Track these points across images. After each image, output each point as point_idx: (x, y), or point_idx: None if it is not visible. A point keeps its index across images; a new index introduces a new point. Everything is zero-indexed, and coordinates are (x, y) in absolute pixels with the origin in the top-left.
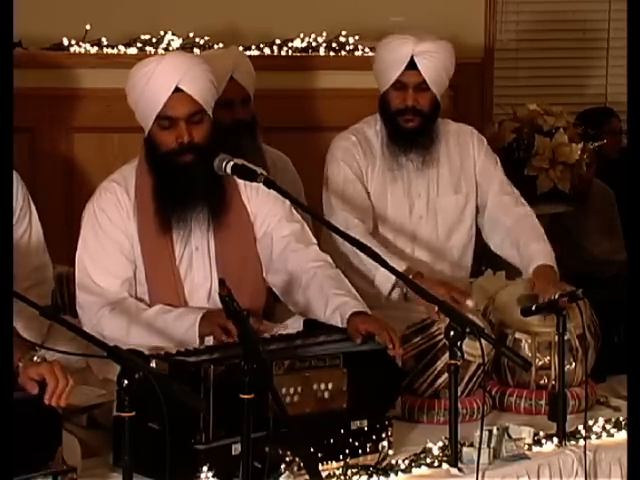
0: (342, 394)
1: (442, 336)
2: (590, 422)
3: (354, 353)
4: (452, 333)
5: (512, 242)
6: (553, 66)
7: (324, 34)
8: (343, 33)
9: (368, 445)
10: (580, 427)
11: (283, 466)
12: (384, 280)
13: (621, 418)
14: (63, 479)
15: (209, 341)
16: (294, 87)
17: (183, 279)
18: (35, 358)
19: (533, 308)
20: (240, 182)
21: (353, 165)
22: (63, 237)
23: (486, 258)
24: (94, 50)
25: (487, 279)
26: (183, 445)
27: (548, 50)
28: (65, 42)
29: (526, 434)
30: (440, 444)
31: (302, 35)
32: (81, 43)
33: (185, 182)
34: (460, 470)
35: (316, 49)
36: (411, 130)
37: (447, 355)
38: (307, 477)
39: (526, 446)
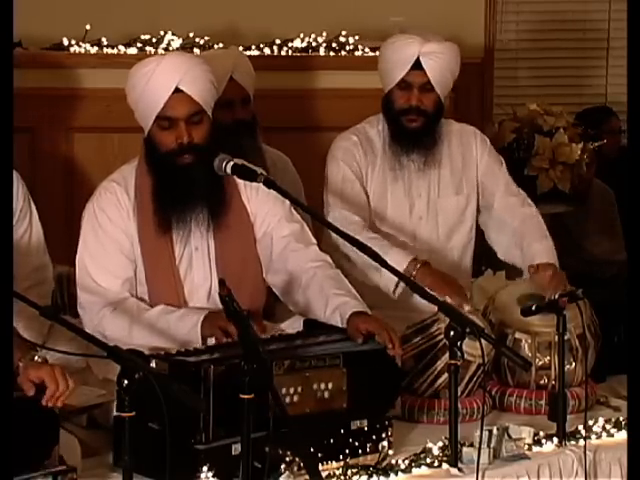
0: (342, 394)
1: (442, 336)
2: (590, 422)
3: (354, 353)
4: (452, 333)
5: (517, 243)
6: (553, 66)
7: (324, 34)
8: (343, 33)
9: (368, 445)
10: (580, 427)
11: (283, 466)
12: (389, 277)
13: (621, 418)
14: (63, 479)
15: (211, 343)
16: (294, 87)
17: (183, 279)
18: (36, 358)
19: (533, 308)
20: (240, 182)
21: (353, 165)
22: (63, 237)
23: (486, 258)
24: (94, 50)
25: (487, 279)
26: (183, 445)
27: (548, 50)
28: (65, 42)
29: (526, 434)
30: (440, 444)
31: (302, 35)
32: (81, 43)
33: (185, 182)
34: (460, 470)
35: (316, 49)
36: (414, 130)
37: (447, 355)
38: (307, 477)
39: (526, 446)
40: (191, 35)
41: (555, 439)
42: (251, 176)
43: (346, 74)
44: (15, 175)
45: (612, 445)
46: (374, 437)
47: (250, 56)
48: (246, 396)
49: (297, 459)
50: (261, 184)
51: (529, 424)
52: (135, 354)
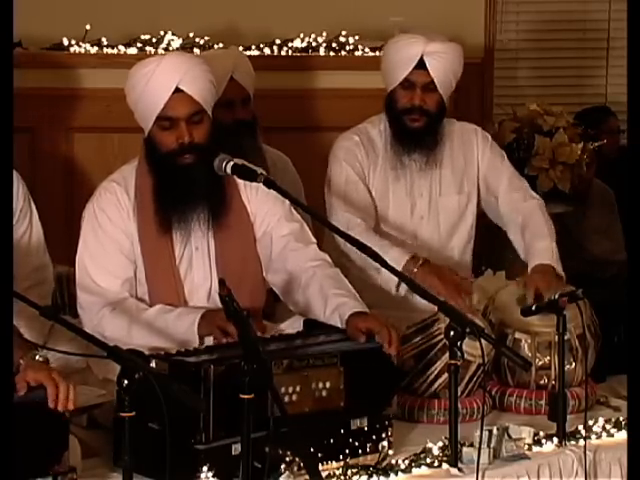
0: (339, 392)
1: (442, 336)
2: (590, 422)
3: (351, 352)
4: (452, 333)
5: (519, 239)
6: (553, 66)
7: (324, 34)
8: (343, 33)
9: (368, 445)
10: (580, 427)
11: (283, 466)
12: (389, 277)
13: (621, 418)
14: (63, 479)
15: (209, 341)
16: (294, 87)
17: (183, 279)
18: (38, 357)
19: (533, 308)
20: (240, 182)
21: (355, 165)
22: (63, 237)
23: (486, 258)
24: (94, 50)
25: (487, 279)
26: (183, 445)
27: (548, 50)
28: (65, 42)
29: (526, 434)
30: (440, 444)
31: (302, 35)
32: (81, 43)
33: (186, 182)
34: (460, 470)
35: (316, 49)
36: (416, 130)
37: (447, 355)
38: (307, 477)
39: (526, 446)
40: (191, 35)
41: (555, 439)
42: (251, 176)
43: (346, 74)
44: (15, 175)
45: (612, 445)
46: (374, 437)
47: (250, 56)
48: (246, 396)
49: (297, 459)
50: (261, 184)
51: (529, 424)
52: (135, 354)
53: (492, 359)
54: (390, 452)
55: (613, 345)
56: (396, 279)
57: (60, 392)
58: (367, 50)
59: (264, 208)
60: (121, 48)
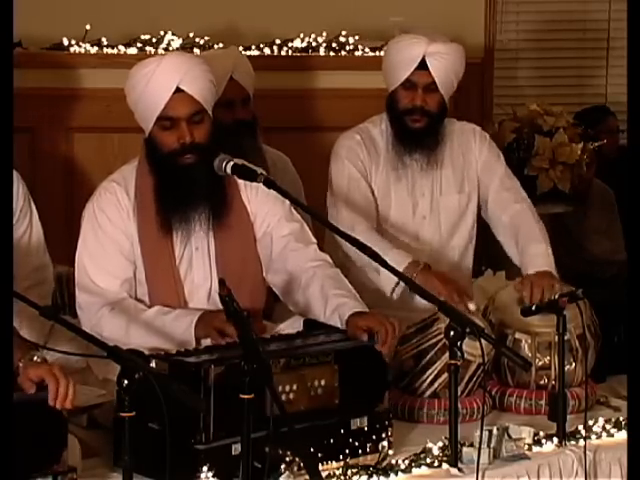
0: (334, 390)
1: (442, 336)
2: (590, 422)
3: (345, 349)
4: (452, 333)
5: (511, 241)
6: (553, 66)
7: (324, 34)
8: (343, 33)
9: (368, 445)
10: (580, 427)
11: (283, 466)
12: (388, 278)
13: (621, 418)
14: (63, 479)
15: (206, 343)
16: (294, 87)
17: (183, 279)
18: (35, 358)
19: (533, 308)
20: (240, 182)
21: (357, 164)
22: (63, 237)
23: (486, 258)
24: (94, 50)
25: (487, 279)
26: (183, 445)
27: (548, 50)
28: (65, 42)
29: (526, 434)
30: (440, 444)
31: (302, 35)
32: (81, 43)
33: (187, 182)
34: (460, 470)
35: (316, 49)
36: (417, 130)
37: (447, 355)
38: (307, 477)
39: (526, 446)
40: (191, 35)
41: (555, 439)
42: (251, 176)
43: (346, 74)
44: (15, 175)
45: (612, 445)
46: (374, 437)
47: (250, 56)
48: (246, 396)
49: (297, 459)
50: (261, 184)
51: (529, 424)
52: (135, 354)
53: (492, 359)
54: (390, 452)
55: (613, 345)
56: (392, 283)
57: (60, 388)
58: (367, 50)
59: (264, 208)
60: (121, 48)
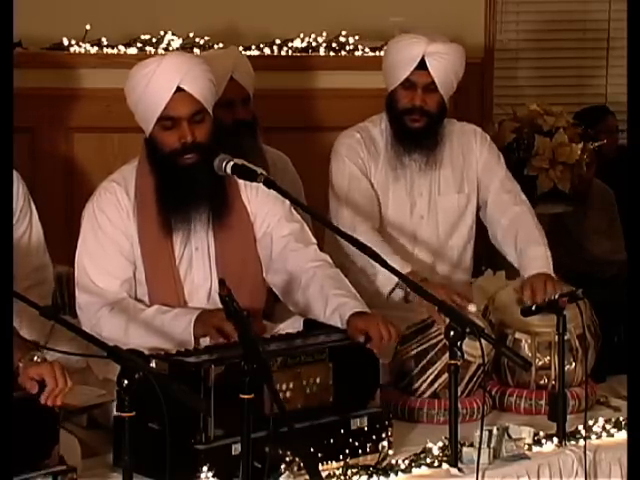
0: (328, 388)
1: (442, 336)
2: (590, 422)
3: (339, 347)
4: (452, 333)
5: (510, 243)
6: (553, 66)
7: (324, 34)
8: (343, 33)
9: (368, 445)
10: (580, 427)
11: (283, 466)
12: (385, 281)
13: (621, 418)
14: (63, 479)
15: (205, 342)
16: (294, 87)
17: (183, 279)
18: (35, 358)
19: (533, 308)
20: (240, 182)
21: (357, 162)
22: (63, 237)
23: (486, 258)
24: (94, 50)
25: (487, 279)
26: (183, 445)
27: (548, 50)
28: (65, 42)
29: (526, 434)
30: (440, 444)
31: (302, 35)
32: (81, 43)
33: (188, 183)
34: (460, 470)
35: (316, 49)
36: (417, 130)
37: (447, 355)
38: (307, 477)
39: (526, 446)
40: (191, 35)
41: (555, 439)
42: (251, 176)
43: (346, 74)
44: (15, 175)
45: (612, 445)
46: (374, 437)
47: (250, 56)
48: (246, 396)
49: (297, 459)
50: (261, 184)
51: (529, 424)
52: (135, 354)
53: (492, 359)
54: (390, 452)
55: (613, 345)
56: (390, 285)
57: (55, 390)
58: (367, 50)
59: (264, 208)
60: (121, 48)
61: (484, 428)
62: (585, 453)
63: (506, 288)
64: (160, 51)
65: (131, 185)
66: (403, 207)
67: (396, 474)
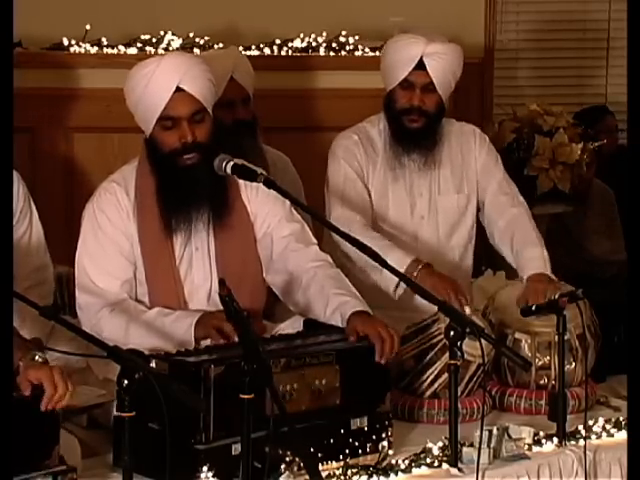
0: (335, 390)
1: (442, 336)
2: (590, 422)
3: (346, 350)
4: (452, 333)
5: (506, 244)
6: (553, 66)
7: (324, 34)
8: (343, 33)
9: (368, 445)
10: (580, 427)
11: (283, 466)
12: (387, 278)
13: (621, 418)
14: (63, 479)
15: (206, 344)
16: (294, 87)
17: (183, 280)
18: (37, 358)
19: (533, 308)
20: (240, 182)
21: (354, 164)
22: (63, 237)
23: (486, 258)
24: (94, 50)
25: (487, 279)
26: (183, 445)
27: (548, 50)
28: (65, 42)
29: (526, 434)
30: (440, 444)
31: (302, 35)
32: (81, 43)
33: (189, 183)
34: (460, 470)
35: (316, 49)
36: (415, 130)
37: (447, 355)
38: (307, 477)
39: (526, 446)
40: (191, 35)
41: (555, 439)
42: (251, 176)
43: (346, 74)
44: (15, 175)
45: (612, 445)
46: (374, 437)
47: (250, 56)
48: (246, 396)
49: (297, 459)
50: (261, 184)
51: (529, 424)
52: (135, 354)
53: (492, 359)
54: (390, 452)
55: (613, 345)
56: (394, 280)
57: (55, 396)
58: (367, 50)
59: (264, 209)
60: (121, 48)
61: (484, 428)
62: (585, 453)
63: (506, 288)
64: (160, 51)
65: (131, 185)
66: (403, 207)
67: (396, 474)
